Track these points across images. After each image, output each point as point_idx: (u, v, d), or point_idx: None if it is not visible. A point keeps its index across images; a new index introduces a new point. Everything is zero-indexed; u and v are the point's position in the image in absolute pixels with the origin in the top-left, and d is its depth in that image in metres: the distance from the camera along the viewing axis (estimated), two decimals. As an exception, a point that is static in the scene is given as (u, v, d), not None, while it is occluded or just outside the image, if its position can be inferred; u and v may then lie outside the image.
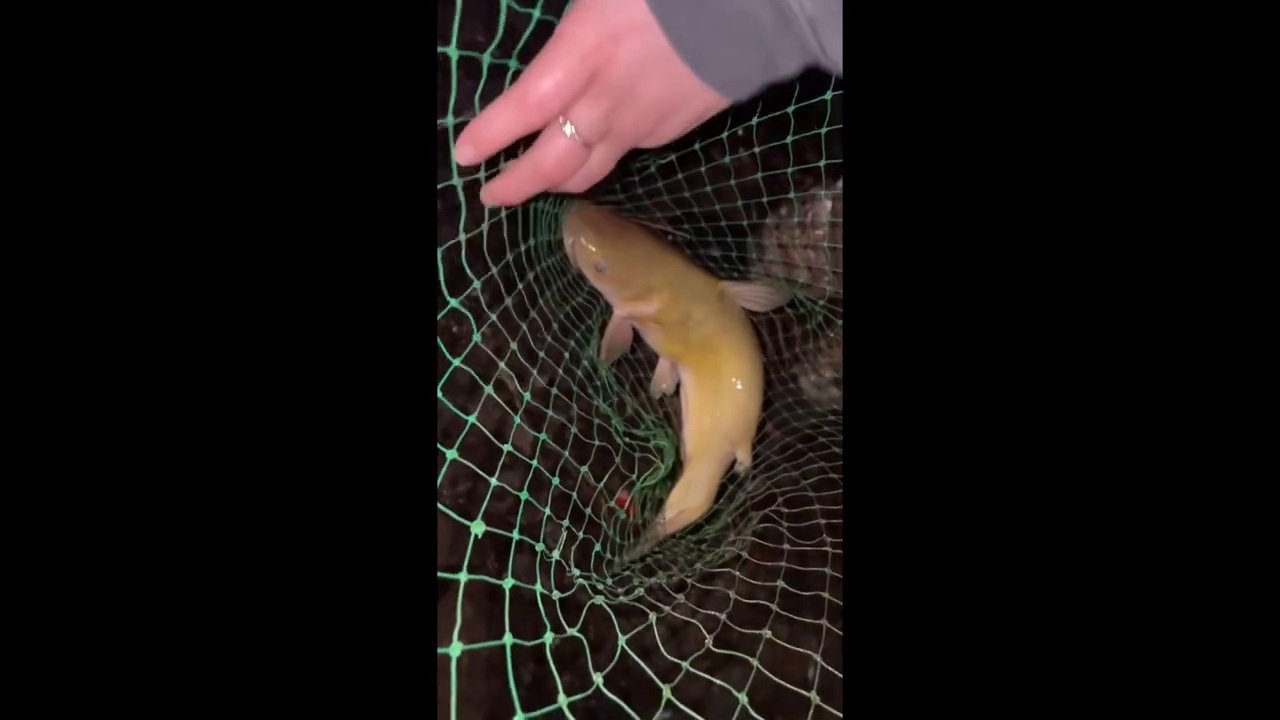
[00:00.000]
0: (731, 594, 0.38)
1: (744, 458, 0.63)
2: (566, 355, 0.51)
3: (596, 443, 0.46)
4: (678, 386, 0.65)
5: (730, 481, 0.62)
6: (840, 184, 0.64)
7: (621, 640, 0.29)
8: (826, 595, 0.38)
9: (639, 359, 0.66)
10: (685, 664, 0.29)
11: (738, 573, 0.41)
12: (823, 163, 0.56)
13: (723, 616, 0.35)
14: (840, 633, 0.34)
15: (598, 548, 0.43)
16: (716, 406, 0.62)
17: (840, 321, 0.66)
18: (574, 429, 0.43)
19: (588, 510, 0.42)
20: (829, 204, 0.66)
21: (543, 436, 0.37)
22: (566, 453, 0.40)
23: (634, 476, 0.51)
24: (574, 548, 0.38)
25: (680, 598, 0.37)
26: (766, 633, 0.34)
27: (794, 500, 0.55)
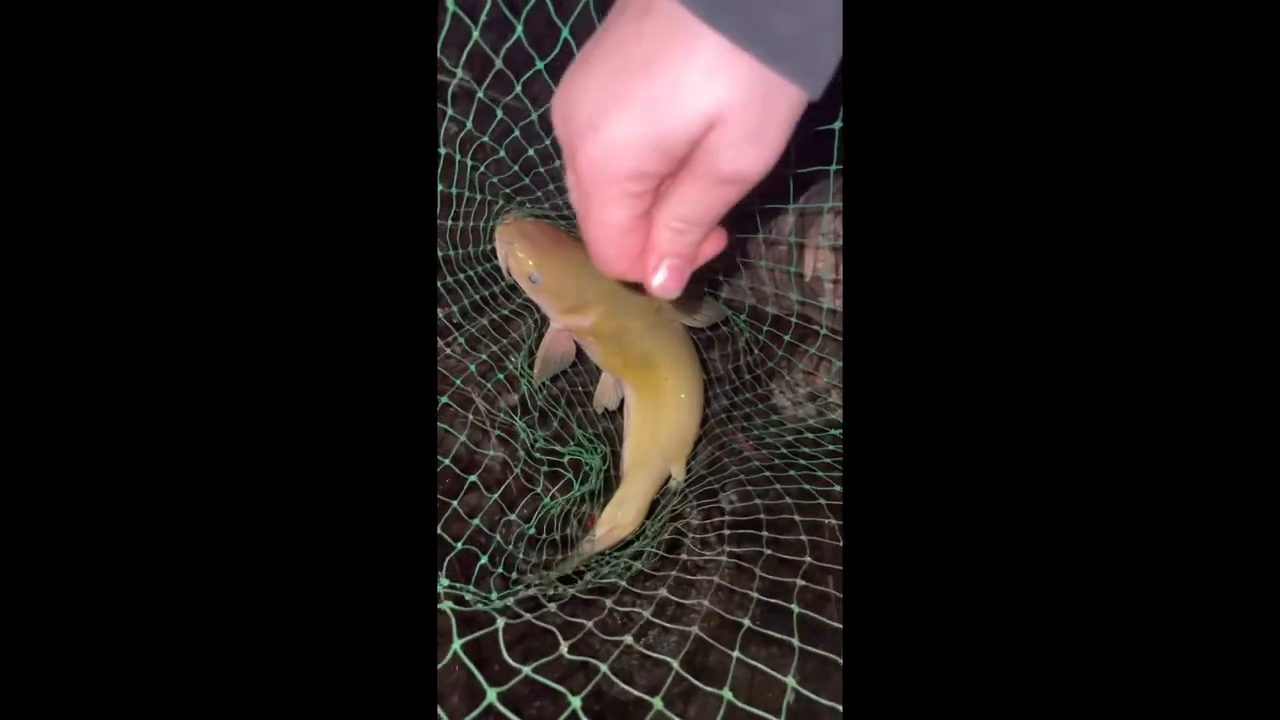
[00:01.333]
0: (608, 603, 0.38)
1: (678, 473, 0.62)
2: (471, 367, 0.51)
3: (490, 454, 0.45)
4: (621, 402, 0.64)
5: (662, 496, 0.62)
6: (804, 198, 0.63)
7: (456, 644, 0.28)
8: (706, 604, 0.37)
9: (581, 372, 0.65)
10: (526, 669, 0.28)
11: (623, 583, 0.41)
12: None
13: (590, 625, 0.34)
14: (700, 633, 0.33)
15: (484, 560, 0.42)
16: (656, 422, 0.61)
17: (762, 338, 0.67)
18: (463, 437, 0.43)
19: (475, 521, 0.41)
20: (792, 219, 0.66)
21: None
22: (447, 460, 0.39)
23: (539, 489, 0.51)
24: (449, 558, 0.37)
25: (552, 607, 0.36)
26: (628, 639, 0.33)
27: (709, 512, 0.55)
